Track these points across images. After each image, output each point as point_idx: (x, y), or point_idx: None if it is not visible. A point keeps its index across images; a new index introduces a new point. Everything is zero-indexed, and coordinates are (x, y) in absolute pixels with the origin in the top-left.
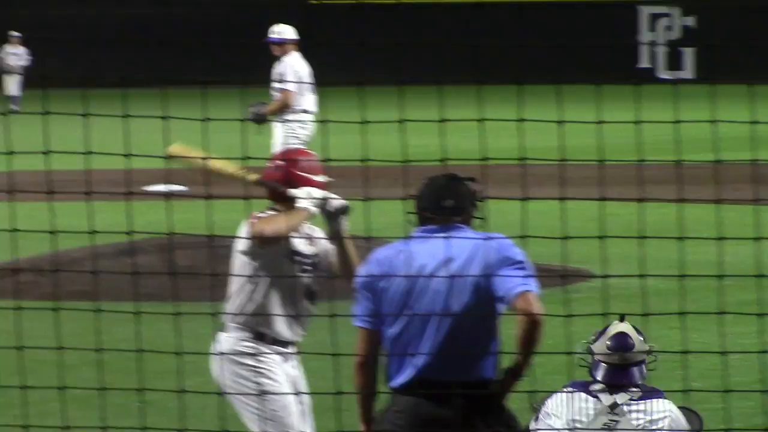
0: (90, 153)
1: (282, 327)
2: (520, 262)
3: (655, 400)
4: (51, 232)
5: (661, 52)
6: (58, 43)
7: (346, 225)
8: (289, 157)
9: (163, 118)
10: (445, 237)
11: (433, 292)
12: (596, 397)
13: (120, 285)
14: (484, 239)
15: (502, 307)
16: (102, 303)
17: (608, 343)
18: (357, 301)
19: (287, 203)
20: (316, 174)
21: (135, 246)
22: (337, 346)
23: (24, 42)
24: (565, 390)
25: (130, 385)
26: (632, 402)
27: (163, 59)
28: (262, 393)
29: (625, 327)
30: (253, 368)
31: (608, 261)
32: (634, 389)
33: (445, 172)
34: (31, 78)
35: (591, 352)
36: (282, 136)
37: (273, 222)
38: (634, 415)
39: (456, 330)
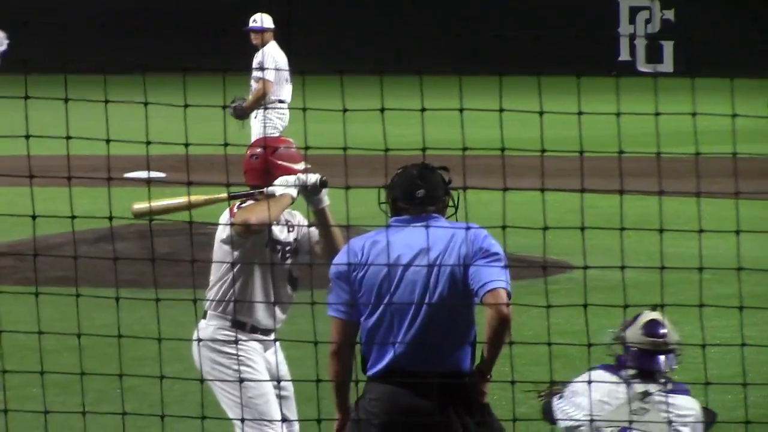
0: (70, 138)
1: (262, 315)
2: (495, 254)
3: (684, 396)
4: (32, 217)
5: (641, 45)
6: (36, 27)
7: (327, 199)
8: (268, 146)
9: (144, 104)
10: (420, 227)
11: (409, 282)
12: (628, 382)
13: (99, 271)
14: (460, 229)
15: (476, 299)
16: (81, 289)
17: (642, 329)
18: (331, 290)
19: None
20: (295, 162)
21: (114, 232)
22: (317, 334)
23: (1, 26)
24: (596, 371)
25: (110, 371)
26: (663, 393)
27: (144, 45)
28: (241, 381)
29: (657, 316)
30: (232, 356)
31: (588, 253)
32: (664, 381)
33: (418, 162)
34: (8, 63)
35: (622, 340)
36: (259, 125)
37: (257, 211)
38: (663, 407)
39: (432, 320)
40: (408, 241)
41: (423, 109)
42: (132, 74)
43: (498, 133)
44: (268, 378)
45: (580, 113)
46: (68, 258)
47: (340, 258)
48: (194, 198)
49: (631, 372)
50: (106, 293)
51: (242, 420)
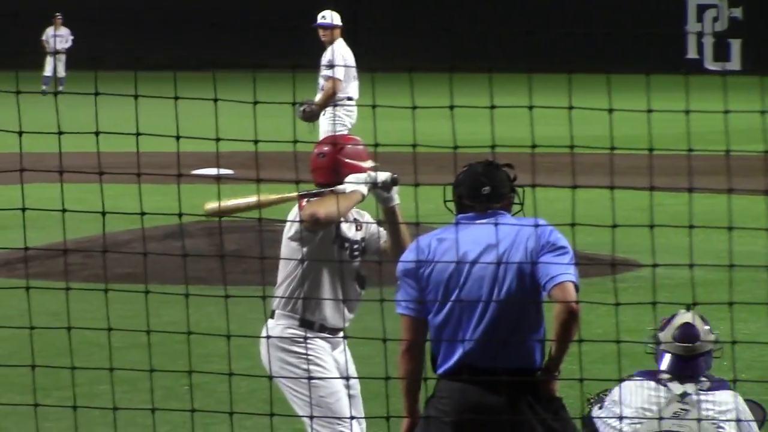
0: (140, 134)
1: (330, 314)
2: (563, 248)
3: (723, 392)
4: (102, 213)
5: (708, 43)
6: (104, 24)
7: (397, 198)
8: (336, 144)
9: (214, 100)
10: (487, 223)
11: (477, 278)
12: (665, 386)
13: (167, 268)
14: (526, 225)
15: (544, 294)
16: (149, 286)
17: (675, 333)
18: (399, 288)
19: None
20: (362, 160)
21: (182, 229)
22: (386, 331)
23: (67, 23)
24: (633, 378)
25: (178, 368)
26: (701, 392)
27: (214, 42)
28: (310, 379)
29: (691, 317)
30: (301, 355)
31: (656, 251)
32: (703, 379)
33: (483, 159)
34: (73, 59)
35: (657, 341)
36: (328, 123)
37: (325, 204)
38: (703, 405)
39: (500, 316)
40: (474, 237)
41: (492, 107)
42: (202, 71)
43: (566, 130)
44: (338, 377)
45: (649, 111)
46: (136, 255)
47: (407, 256)
48: (264, 197)
49: (667, 375)
50: (173, 290)
51: (311, 417)
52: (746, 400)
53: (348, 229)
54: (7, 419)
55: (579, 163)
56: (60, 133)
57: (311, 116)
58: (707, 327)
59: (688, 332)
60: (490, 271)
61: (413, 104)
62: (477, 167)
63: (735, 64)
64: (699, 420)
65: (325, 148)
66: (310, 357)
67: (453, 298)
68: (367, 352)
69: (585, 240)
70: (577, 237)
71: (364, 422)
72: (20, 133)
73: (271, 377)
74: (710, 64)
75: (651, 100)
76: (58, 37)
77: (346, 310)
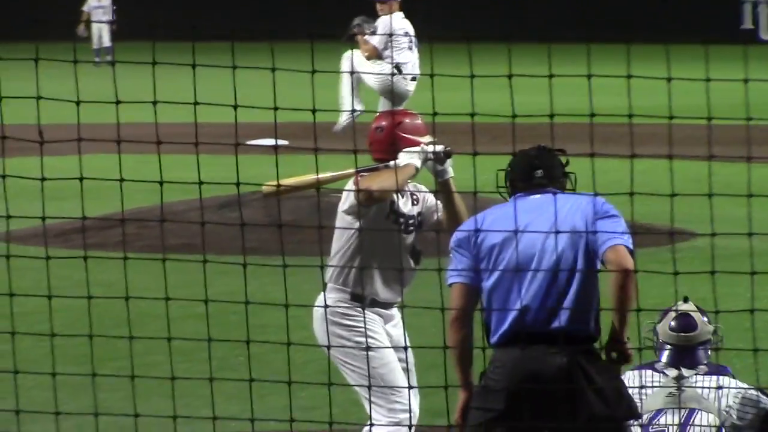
0: (197, 104)
1: (381, 288)
2: (614, 215)
3: (721, 377)
4: (159, 183)
5: (763, 13)
6: None
7: (451, 171)
8: (394, 118)
9: (272, 69)
10: (541, 197)
11: (530, 244)
12: (662, 372)
13: (221, 238)
14: (579, 197)
15: (597, 262)
16: (206, 256)
17: (671, 324)
18: (452, 260)
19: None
20: (420, 135)
21: (240, 199)
22: (443, 302)
23: None
24: (633, 371)
25: (233, 338)
26: (698, 376)
27: (271, 12)
28: (362, 349)
29: (688, 308)
30: (351, 328)
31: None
32: (701, 367)
33: (535, 145)
34: (132, 29)
35: (655, 333)
36: (385, 97)
37: (379, 179)
38: (699, 385)
39: (553, 280)
40: (528, 207)
41: (550, 76)
42: (259, 41)
43: (621, 101)
44: (390, 347)
45: (708, 80)
46: (191, 225)
47: (463, 226)
48: (322, 175)
49: (664, 362)
50: (228, 261)
51: (368, 388)
52: (754, 388)
53: (404, 205)
54: (63, 390)
55: (636, 134)
56: (117, 102)
57: (351, 37)
58: (705, 318)
59: (685, 323)
60: (542, 237)
61: (471, 73)
62: (530, 151)
63: None
64: (694, 398)
65: (383, 123)
66: (360, 329)
67: (506, 262)
68: (421, 323)
69: (639, 210)
70: (634, 207)
71: (418, 395)
72: (78, 103)
73: (329, 346)
74: (765, 35)
75: (708, 71)
76: (101, 9)
77: (398, 285)
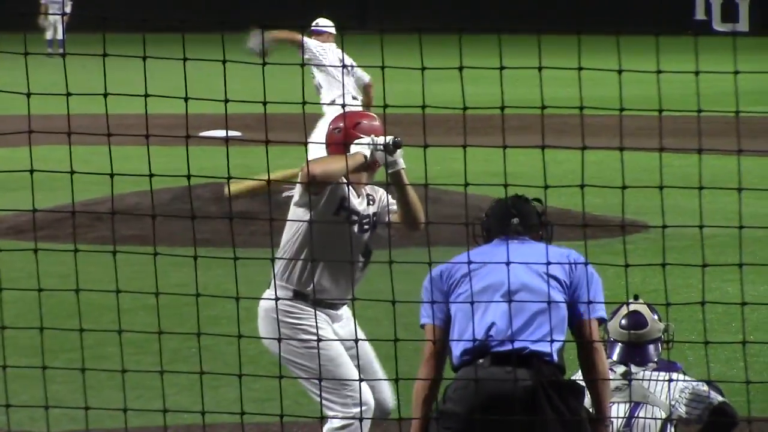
0: (148, 96)
1: (327, 285)
2: (599, 284)
3: (671, 373)
4: (110, 175)
5: (716, 4)
6: None
7: (402, 162)
8: (351, 119)
9: (222, 62)
10: (518, 243)
11: (500, 270)
12: (611, 369)
13: (174, 231)
14: (557, 247)
15: (566, 311)
16: (158, 248)
17: (622, 322)
18: (423, 299)
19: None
20: (377, 136)
21: (190, 191)
22: (395, 293)
23: None
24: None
25: (185, 331)
26: (647, 372)
27: (218, 3)
28: (306, 347)
29: (638, 306)
30: (294, 326)
31: (664, 213)
32: (651, 364)
33: (512, 195)
34: (76, 22)
35: (606, 332)
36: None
37: (322, 163)
38: (646, 382)
39: (519, 305)
40: (502, 249)
41: (501, 68)
42: (209, 33)
43: (574, 92)
44: (338, 346)
45: (659, 72)
46: (144, 217)
47: (434, 269)
48: (274, 175)
49: (614, 360)
50: (180, 253)
51: (311, 380)
52: (704, 382)
53: (359, 204)
54: (16, 382)
55: (588, 125)
56: (68, 94)
57: (260, 49)
58: (655, 316)
59: (635, 320)
60: (514, 265)
61: (422, 65)
62: (506, 200)
63: (743, 25)
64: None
65: (341, 124)
66: (303, 327)
67: (473, 286)
68: (374, 314)
69: (593, 202)
70: (586, 199)
71: (389, 391)
72: (28, 95)
73: (280, 339)
74: (718, 26)
75: (660, 62)
76: (55, 3)
77: (346, 284)
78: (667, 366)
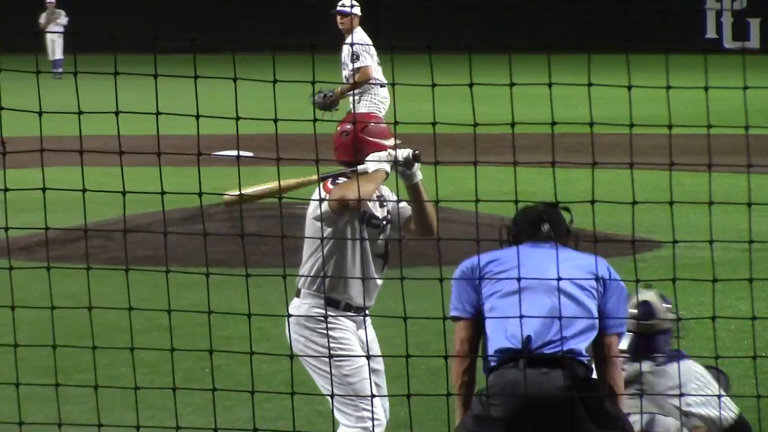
0: (159, 114)
1: (355, 292)
2: (626, 299)
3: (677, 364)
4: (122, 193)
5: (727, 22)
6: (124, 5)
7: (420, 174)
8: (359, 122)
9: (234, 79)
10: (549, 246)
11: (535, 270)
12: (622, 368)
13: (188, 251)
14: (587, 254)
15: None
16: (170, 267)
17: (633, 311)
18: (453, 292)
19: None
20: (385, 138)
21: (203, 211)
22: (406, 311)
23: (61, 5)
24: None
25: (199, 350)
26: (657, 368)
27: (232, 23)
28: (332, 357)
29: (650, 295)
30: (326, 334)
31: (676, 230)
32: (659, 355)
33: (541, 201)
34: (81, 42)
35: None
36: (363, 109)
37: (353, 187)
38: (661, 380)
39: (553, 304)
40: (533, 250)
41: (511, 84)
42: (221, 53)
43: (586, 111)
44: (362, 356)
45: (668, 87)
46: (157, 238)
47: (464, 262)
48: (284, 182)
49: (626, 355)
50: (193, 273)
51: (331, 396)
52: (708, 368)
53: (374, 208)
54: (29, 402)
55: (599, 144)
56: (80, 112)
57: (332, 103)
58: (666, 305)
59: (646, 310)
60: (549, 265)
61: (432, 82)
62: (537, 206)
63: (754, 43)
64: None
65: (348, 127)
66: (335, 336)
67: (508, 285)
68: (387, 334)
69: (606, 220)
70: (598, 217)
71: (387, 402)
72: (40, 113)
73: (292, 356)
74: (729, 44)
75: (670, 80)
76: (54, 21)
77: (371, 289)
78: (675, 357)
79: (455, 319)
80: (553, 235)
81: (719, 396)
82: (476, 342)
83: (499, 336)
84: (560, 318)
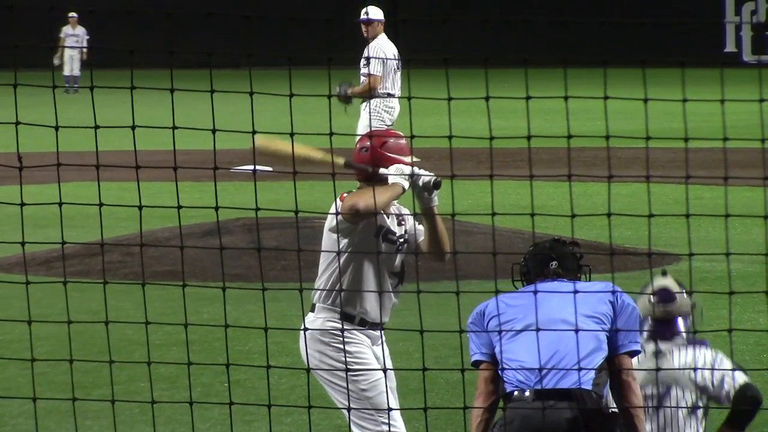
0: (176, 128)
1: (370, 307)
2: (637, 318)
3: (699, 348)
4: (139, 207)
5: (747, 35)
6: (141, 20)
7: (437, 200)
8: (378, 138)
9: (250, 93)
10: (558, 283)
11: (547, 310)
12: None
13: (206, 266)
14: (596, 283)
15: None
16: (188, 282)
17: (650, 297)
18: (470, 337)
19: (377, 183)
20: (404, 155)
21: (220, 226)
22: (423, 325)
23: (81, 22)
24: None
25: (217, 365)
26: (675, 348)
27: (250, 37)
28: (349, 371)
29: (666, 281)
30: (341, 349)
31: (693, 244)
32: (679, 340)
33: (550, 237)
34: (98, 57)
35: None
36: (367, 117)
37: (365, 196)
38: (677, 359)
39: (566, 341)
40: (546, 287)
41: (528, 98)
42: (239, 68)
43: (603, 125)
44: (379, 369)
45: (684, 100)
46: (175, 253)
47: (475, 309)
48: (313, 153)
49: (644, 338)
50: (211, 287)
51: (348, 410)
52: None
53: (392, 224)
54: (48, 418)
55: (619, 157)
56: (96, 127)
57: (346, 99)
58: (683, 291)
59: (664, 295)
60: (560, 304)
61: (448, 96)
62: (545, 244)
63: None
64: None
65: (368, 143)
66: (350, 350)
67: (521, 324)
68: (404, 348)
69: (624, 234)
70: (616, 231)
71: (399, 416)
72: (56, 128)
73: (309, 370)
74: (748, 57)
75: (688, 94)
76: (74, 36)
77: (387, 304)
78: (695, 343)
79: (476, 363)
80: (561, 272)
81: (733, 370)
82: (498, 382)
83: (510, 374)
84: (571, 350)
